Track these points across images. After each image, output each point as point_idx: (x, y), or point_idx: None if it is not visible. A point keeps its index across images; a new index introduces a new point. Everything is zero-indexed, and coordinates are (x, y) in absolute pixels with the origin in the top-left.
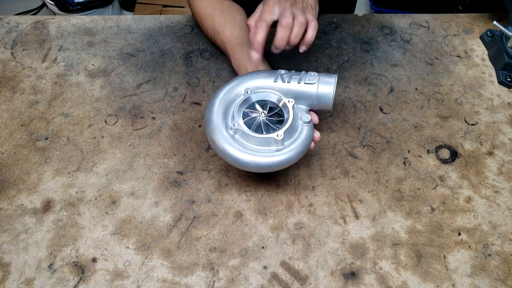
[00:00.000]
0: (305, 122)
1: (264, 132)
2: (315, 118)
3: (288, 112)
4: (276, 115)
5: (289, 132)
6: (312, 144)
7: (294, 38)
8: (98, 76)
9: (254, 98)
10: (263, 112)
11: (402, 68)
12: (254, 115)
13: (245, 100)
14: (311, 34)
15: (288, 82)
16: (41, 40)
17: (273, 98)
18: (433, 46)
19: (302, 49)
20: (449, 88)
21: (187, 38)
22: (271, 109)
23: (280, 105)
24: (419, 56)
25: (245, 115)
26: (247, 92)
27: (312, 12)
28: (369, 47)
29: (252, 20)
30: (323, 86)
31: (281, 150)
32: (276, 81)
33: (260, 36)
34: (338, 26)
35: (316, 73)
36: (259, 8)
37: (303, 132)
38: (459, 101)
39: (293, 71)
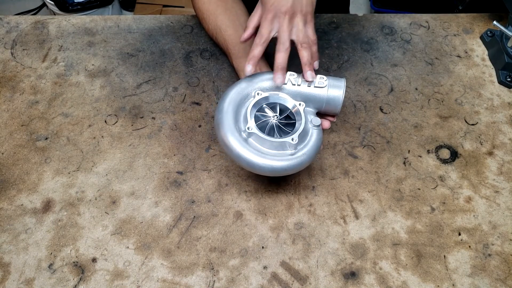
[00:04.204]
0: (315, 126)
1: (276, 135)
2: (327, 124)
3: (300, 116)
4: (285, 118)
5: (302, 136)
6: (321, 147)
7: (309, 61)
8: (98, 76)
9: (265, 100)
10: (275, 115)
11: (402, 68)
12: (265, 118)
13: (256, 103)
14: (314, 50)
15: (298, 85)
16: (41, 40)
17: (282, 100)
18: (433, 46)
19: (315, 64)
20: (449, 88)
21: (187, 38)
22: (280, 111)
23: (293, 111)
24: (419, 56)
25: (256, 118)
26: (257, 94)
27: (311, 24)
28: (369, 47)
29: (251, 23)
30: (332, 90)
31: (295, 154)
32: (286, 84)
33: (257, 51)
34: (338, 26)
35: (325, 76)
36: (257, 11)
37: (313, 136)
38: (459, 101)
39: (301, 73)
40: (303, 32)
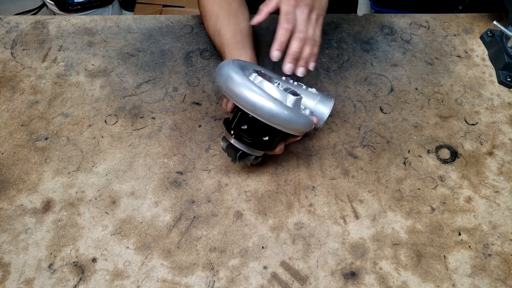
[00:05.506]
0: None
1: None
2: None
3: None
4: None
5: (300, 103)
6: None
7: (297, 53)
8: (98, 76)
9: (266, 77)
10: (278, 78)
11: (402, 68)
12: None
13: (259, 72)
14: (315, 50)
15: (293, 82)
16: (41, 40)
17: (283, 81)
18: (433, 46)
19: (311, 66)
20: (449, 88)
21: (187, 38)
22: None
23: (293, 88)
24: (419, 56)
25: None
26: (255, 71)
27: (320, 25)
28: (369, 47)
29: (266, 8)
30: (321, 105)
31: (295, 109)
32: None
33: (285, 37)
34: (338, 26)
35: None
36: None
37: (308, 116)
38: (459, 101)
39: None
40: (312, 29)
